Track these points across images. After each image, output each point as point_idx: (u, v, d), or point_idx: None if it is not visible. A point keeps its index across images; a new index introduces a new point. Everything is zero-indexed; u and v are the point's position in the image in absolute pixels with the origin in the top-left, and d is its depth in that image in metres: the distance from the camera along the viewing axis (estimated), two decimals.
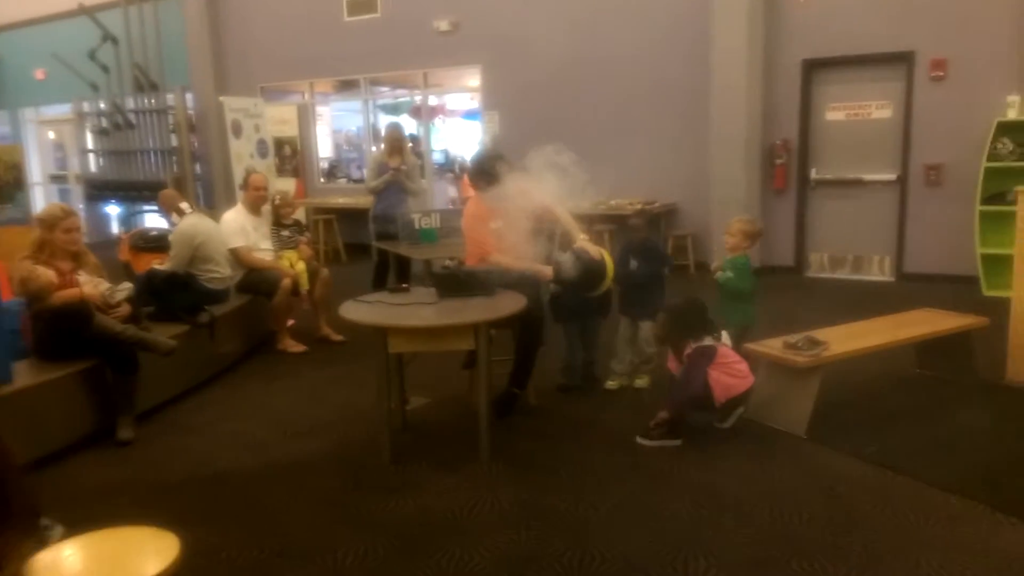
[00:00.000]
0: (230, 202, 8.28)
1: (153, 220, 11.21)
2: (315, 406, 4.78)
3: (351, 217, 10.93)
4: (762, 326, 4.78)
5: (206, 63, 12.11)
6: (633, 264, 4.82)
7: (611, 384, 4.88)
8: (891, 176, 7.97)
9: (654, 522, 3.19)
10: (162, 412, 4.69)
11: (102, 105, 12.64)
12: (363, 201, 9.58)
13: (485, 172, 4.49)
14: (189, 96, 12.23)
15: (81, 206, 13.06)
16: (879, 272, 8.21)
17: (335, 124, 13.15)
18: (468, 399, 4.56)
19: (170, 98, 12.09)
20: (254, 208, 6.16)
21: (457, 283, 4.20)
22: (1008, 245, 4.99)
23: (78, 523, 3.21)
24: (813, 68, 8.16)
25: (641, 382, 4.84)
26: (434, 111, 11.84)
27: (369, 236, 7.84)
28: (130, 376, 4.28)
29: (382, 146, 7.86)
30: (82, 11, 12.14)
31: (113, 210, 13.38)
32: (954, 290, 7.04)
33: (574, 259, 4.34)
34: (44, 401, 4.00)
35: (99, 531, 2.14)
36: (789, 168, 8.36)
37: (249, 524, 3.30)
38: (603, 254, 4.42)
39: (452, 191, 12.47)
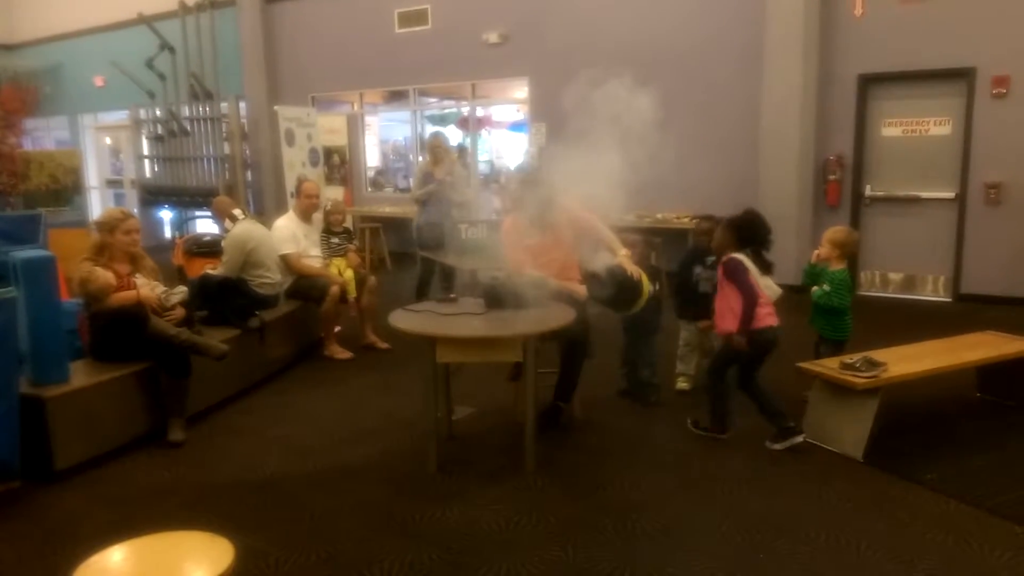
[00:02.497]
0: (280, 209, 8.39)
1: (205, 225, 11.44)
2: (361, 413, 4.79)
3: (397, 226, 11.01)
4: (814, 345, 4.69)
5: (260, 73, 12.34)
6: (698, 271, 4.79)
7: (682, 384, 4.97)
8: (949, 194, 7.76)
9: (706, 544, 3.12)
10: (212, 415, 4.75)
11: (158, 112, 12.95)
12: (409, 210, 9.62)
13: (522, 195, 4.44)
14: (243, 105, 12.46)
15: (136, 210, 13.36)
16: (935, 292, 7.99)
17: (383, 134, 13.28)
18: (513, 410, 4.53)
19: (224, 106, 12.33)
20: (305, 215, 6.23)
21: (505, 295, 4.16)
22: None
23: (130, 522, 3.27)
24: (869, 83, 8.00)
25: None
26: (480, 122, 11.89)
27: (414, 245, 7.86)
28: (182, 379, 4.34)
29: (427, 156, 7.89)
30: (141, 20, 12.46)
31: (166, 215, 13.67)
32: (1014, 312, 6.81)
33: (609, 276, 4.24)
34: (99, 401, 4.07)
35: (154, 535, 2.14)
36: (843, 184, 8.19)
37: (296, 530, 3.31)
38: (640, 274, 4.32)
39: (497, 202, 12.46)
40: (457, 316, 3.98)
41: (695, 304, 4.81)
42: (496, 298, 4.11)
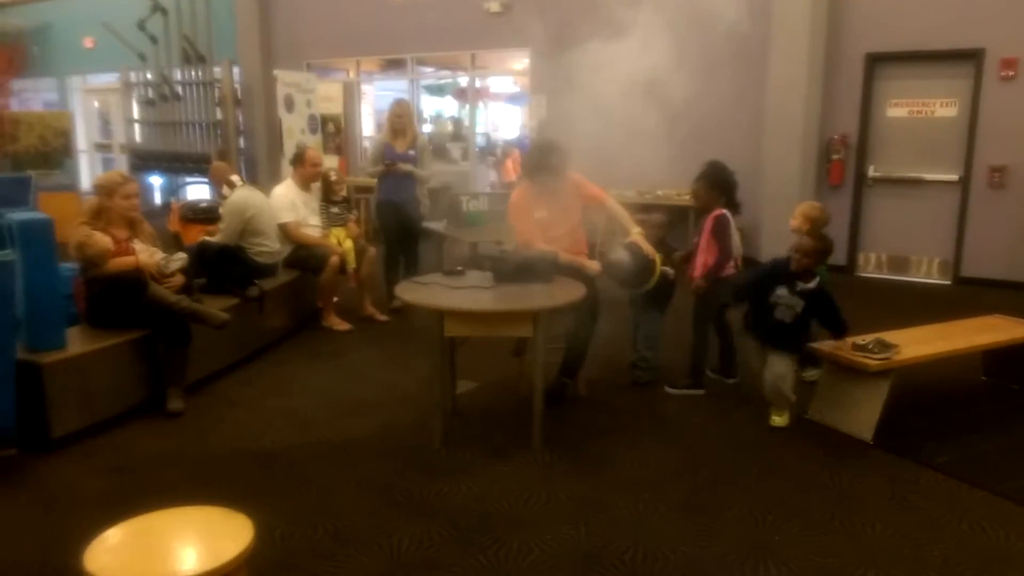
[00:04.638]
0: (274, 177, 8.21)
1: (197, 192, 11.24)
2: (361, 385, 4.72)
3: None
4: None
5: (254, 37, 12.10)
6: (780, 293, 3.92)
7: (810, 375, 4.49)
8: (953, 176, 7.72)
9: (718, 524, 3.08)
10: (210, 384, 4.66)
11: (149, 76, 12.66)
12: None
13: (541, 164, 4.34)
14: (236, 70, 12.21)
15: None
16: (934, 275, 7.97)
17: (378, 104, 13.06)
18: (516, 386, 4.48)
19: (217, 71, 12.07)
20: (304, 184, 6.10)
21: (515, 269, 4.09)
22: None
23: (129, 493, 3.21)
24: (876, 62, 7.91)
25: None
26: (479, 94, 11.71)
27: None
28: (182, 348, 4.24)
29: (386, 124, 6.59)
30: None
31: (156, 181, 13.44)
32: (1014, 296, 6.80)
33: (627, 253, 4.22)
34: (96, 368, 3.97)
35: (167, 510, 2.06)
36: (846, 164, 8.13)
37: (300, 503, 3.25)
38: (654, 253, 4.29)
39: (492, 175, 12.35)
40: (466, 289, 3.90)
41: (765, 329, 4.02)
42: (505, 272, 4.04)
